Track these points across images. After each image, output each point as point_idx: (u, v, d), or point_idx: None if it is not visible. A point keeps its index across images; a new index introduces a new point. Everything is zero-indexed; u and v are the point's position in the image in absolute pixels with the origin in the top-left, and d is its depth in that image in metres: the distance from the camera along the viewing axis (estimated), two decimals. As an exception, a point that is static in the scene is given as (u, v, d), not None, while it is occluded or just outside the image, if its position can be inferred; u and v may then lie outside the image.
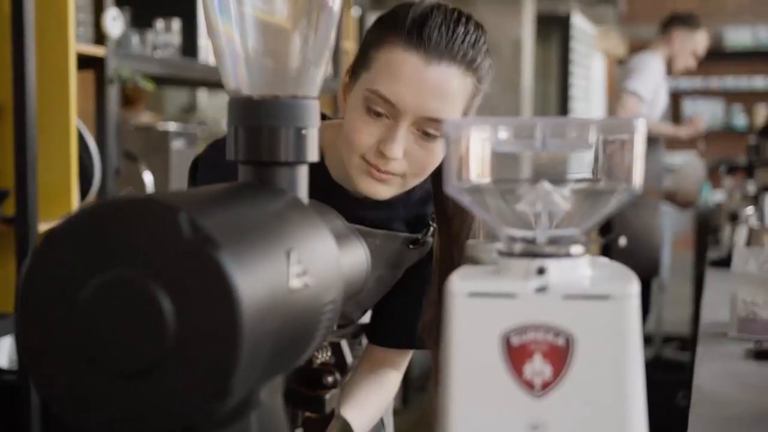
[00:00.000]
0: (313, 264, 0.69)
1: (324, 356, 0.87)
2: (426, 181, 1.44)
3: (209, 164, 1.46)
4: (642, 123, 0.69)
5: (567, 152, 0.71)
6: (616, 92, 5.05)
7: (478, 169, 0.71)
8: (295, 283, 0.65)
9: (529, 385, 0.67)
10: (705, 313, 2.31)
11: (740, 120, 9.11)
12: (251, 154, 0.74)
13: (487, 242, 0.75)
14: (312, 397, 0.83)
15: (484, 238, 0.82)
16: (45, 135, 2.68)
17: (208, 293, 0.57)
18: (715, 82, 9.09)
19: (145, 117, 4.12)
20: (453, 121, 0.70)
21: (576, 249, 0.69)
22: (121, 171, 3.08)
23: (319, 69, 0.77)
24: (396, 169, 1.32)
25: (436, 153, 1.33)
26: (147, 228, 0.59)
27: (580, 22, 7.12)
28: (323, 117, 1.44)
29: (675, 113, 8.13)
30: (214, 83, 4.00)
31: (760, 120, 8.61)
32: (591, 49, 7.67)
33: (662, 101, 4.99)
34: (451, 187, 0.71)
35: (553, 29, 6.87)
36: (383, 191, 1.35)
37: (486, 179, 0.72)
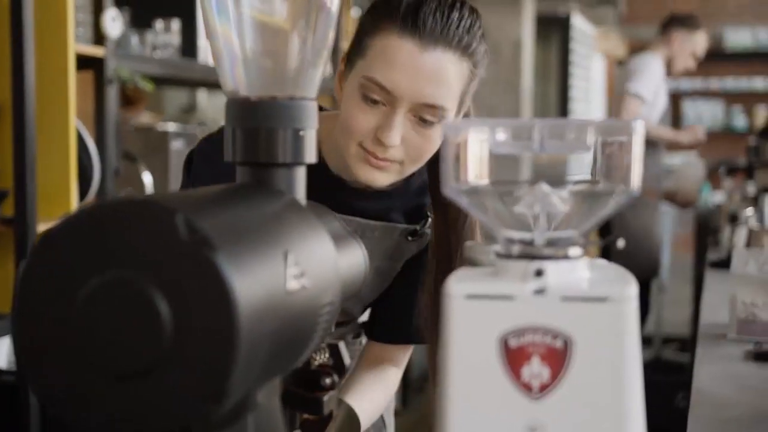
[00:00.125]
0: (310, 266, 0.68)
1: (322, 358, 0.87)
2: (423, 171, 1.44)
3: (204, 157, 1.46)
4: (640, 125, 0.69)
5: (565, 154, 0.71)
6: (617, 94, 5.04)
7: (476, 171, 0.71)
8: (293, 284, 0.65)
9: (527, 388, 0.67)
10: (704, 315, 2.31)
11: (740, 121, 9.11)
12: (249, 156, 0.74)
13: (485, 244, 0.75)
14: (310, 399, 0.83)
15: (482, 239, 0.82)
16: (44, 135, 2.68)
17: (205, 295, 0.57)
18: (715, 83, 9.09)
19: (144, 117, 4.12)
20: (451, 123, 0.70)
21: (574, 251, 0.69)
22: (121, 171, 3.08)
23: (317, 70, 0.77)
24: (394, 156, 1.32)
25: (434, 139, 1.33)
26: (144, 229, 0.58)
27: (580, 23, 7.12)
28: (319, 109, 1.44)
29: (675, 114, 8.13)
30: (214, 84, 3.99)
31: (760, 121, 8.61)
32: (591, 50, 7.67)
33: (662, 102, 4.99)
34: (449, 189, 0.71)
35: (553, 30, 6.87)
36: (381, 178, 1.35)
37: (484, 181, 0.72)
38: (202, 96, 4.95)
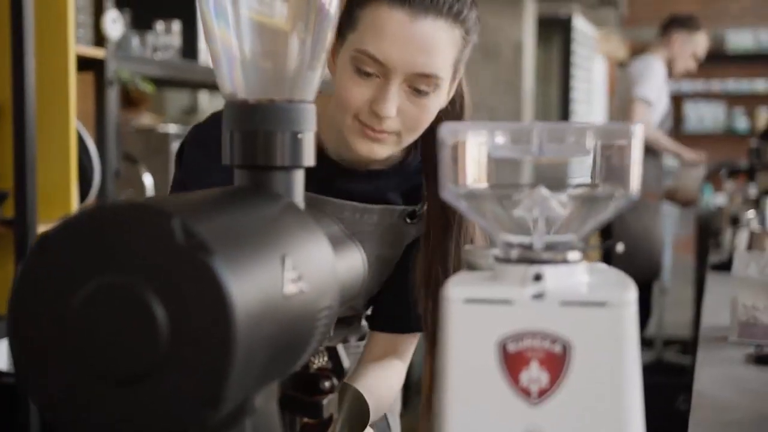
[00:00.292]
0: (308, 269, 0.68)
1: (321, 361, 0.86)
2: (420, 149, 1.43)
3: (196, 144, 1.45)
4: (640, 129, 0.69)
5: (564, 158, 0.70)
6: (620, 97, 5.03)
7: (475, 174, 0.71)
8: (290, 288, 0.65)
9: (525, 393, 0.66)
10: (706, 317, 2.30)
11: (741, 123, 9.10)
12: (247, 159, 0.74)
13: (484, 248, 0.75)
14: (309, 403, 0.82)
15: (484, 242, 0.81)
16: (44, 136, 2.67)
17: (202, 299, 0.57)
18: (717, 85, 9.08)
19: (146, 119, 4.12)
20: (449, 126, 0.70)
21: (573, 255, 0.68)
22: (121, 173, 3.08)
23: (316, 72, 0.77)
24: (390, 127, 1.32)
25: (430, 108, 1.33)
26: (141, 233, 0.58)
27: (581, 25, 7.12)
28: None
29: (677, 116, 8.11)
30: (215, 85, 3.98)
31: (761, 123, 8.60)
32: (592, 51, 7.66)
33: (663, 104, 4.99)
34: (447, 192, 0.70)
35: (555, 32, 6.86)
36: (379, 151, 1.34)
37: (482, 184, 0.71)
38: (204, 97, 4.95)
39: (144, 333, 0.57)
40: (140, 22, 3.37)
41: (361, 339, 1.66)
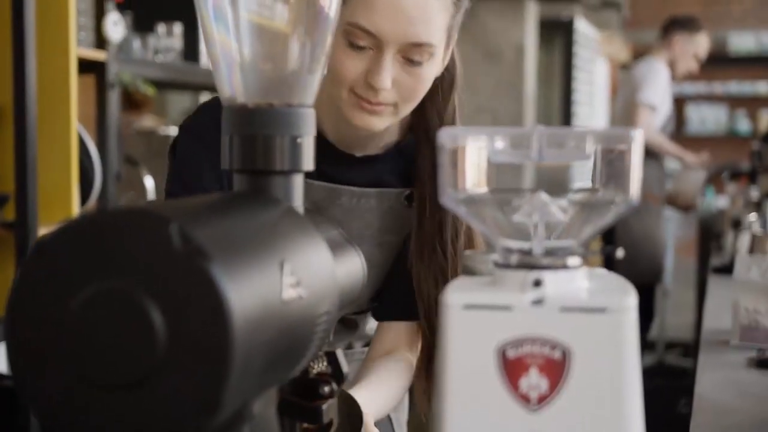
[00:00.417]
0: (307, 274, 0.68)
1: (320, 366, 0.86)
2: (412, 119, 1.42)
3: (188, 134, 1.43)
4: (639, 134, 0.68)
5: (564, 162, 0.70)
6: (624, 101, 5.02)
7: (474, 179, 0.71)
8: (289, 294, 0.64)
9: (525, 399, 0.66)
10: (707, 321, 2.30)
11: (744, 125, 9.09)
12: (246, 163, 0.73)
13: (484, 253, 0.74)
14: (309, 408, 0.82)
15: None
16: (45, 139, 2.67)
17: (199, 305, 0.57)
18: (719, 88, 9.07)
19: (148, 121, 4.12)
20: (449, 132, 0.70)
21: (573, 260, 0.68)
22: (122, 176, 3.08)
23: (315, 76, 0.77)
24: (386, 98, 1.31)
25: (425, 77, 1.32)
26: (138, 239, 0.58)
27: (583, 27, 7.11)
28: None
29: (679, 118, 8.11)
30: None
31: (763, 125, 8.59)
32: (594, 53, 7.65)
33: (666, 107, 4.99)
34: (446, 197, 0.70)
35: (557, 34, 6.85)
36: (377, 123, 1.34)
37: (482, 189, 0.71)
38: (205, 100, 4.95)
39: (141, 338, 0.57)
40: (141, 25, 3.37)
41: (366, 345, 1.64)
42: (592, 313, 0.65)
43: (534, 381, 0.66)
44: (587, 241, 0.70)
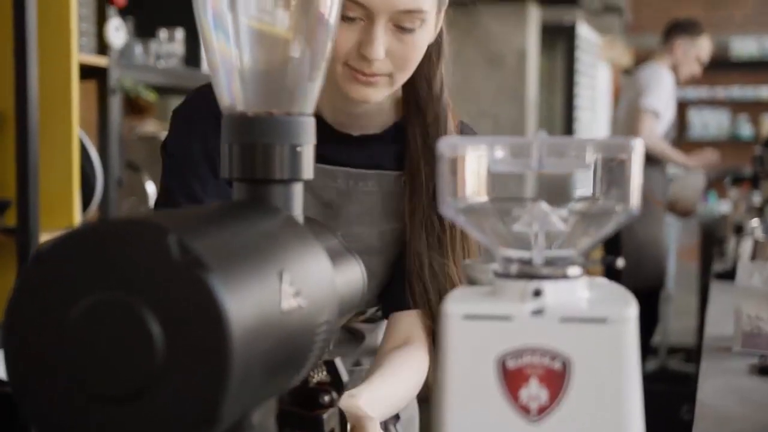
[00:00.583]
0: (306, 284, 0.68)
1: (319, 375, 0.86)
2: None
3: (181, 120, 1.42)
4: (640, 143, 0.68)
5: (564, 172, 0.70)
6: (629, 106, 5.01)
7: (474, 188, 0.70)
8: (288, 304, 0.64)
9: (525, 410, 0.65)
10: (709, 327, 2.29)
11: (746, 130, 9.09)
12: (245, 172, 0.73)
13: (484, 262, 0.74)
14: (309, 418, 0.82)
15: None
16: (47, 145, 2.68)
17: (197, 316, 0.56)
18: (721, 92, 9.07)
19: (150, 126, 4.12)
20: (448, 141, 0.69)
21: (573, 270, 0.68)
22: (124, 181, 3.08)
23: (315, 83, 0.76)
24: (381, 69, 1.30)
25: (418, 44, 1.31)
26: (136, 249, 0.58)
27: (585, 32, 7.11)
28: None
29: (681, 123, 8.11)
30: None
31: (766, 130, 8.59)
32: (596, 58, 7.66)
33: (670, 113, 4.98)
34: (446, 206, 0.70)
35: (558, 39, 6.86)
36: (373, 94, 1.33)
37: (482, 198, 0.71)
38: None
39: (140, 349, 0.57)
40: (143, 30, 3.37)
41: (369, 353, 1.61)
42: (593, 324, 0.65)
43: (534, 392, 0.65)
44: (588, 250, 0.70)
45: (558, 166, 0.69)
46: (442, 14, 1.37)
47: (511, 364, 0.65)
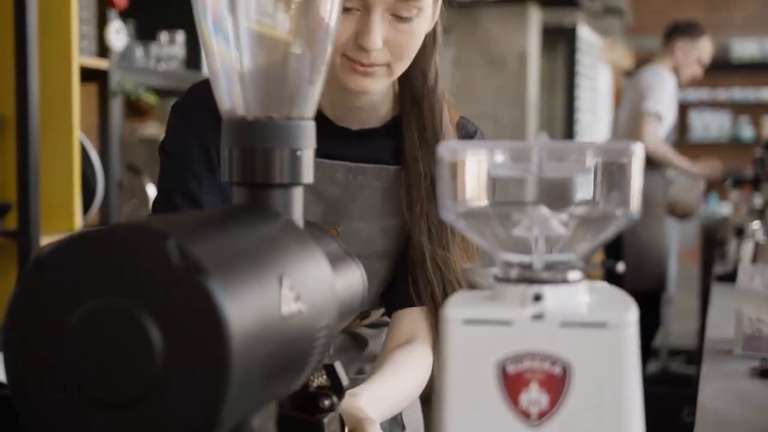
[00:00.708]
0: (306, 289, 0.67)
1: (319, 380, 0.86)
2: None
3: (178, 116, 1.43)
4: (640, 147, 0.68)
5: (564, 176, 0.70)
6: (632, 110, 5.00)
7: (474, 192, 0.70)
8: (288, 308, 0.64)
9: (525, 415, 0.65)
10: (710, 330, 2.29)
11: (747, 132, 9.08)
12: (245, 176, 0.73)
13: (484, 266, 0.74)
14: (309, 422, 0.82)
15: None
16: (48, 148, 2.68)
17: (197, 321, 0.56)
18: (723, 94, 9.06)
19: (150, 129, 4.12)
20: (448, 145, 0.69)
21: (573, 275, 0.68)
22: (125, 184, 3.08)
23: (315, 87, 0.76)
24: (379, 59, 1.30)
25: (416, 33, 1.31)
26: (136, 255, 0.58)
27: (586, 34, 7.11)
28: None
29: (682, 124, 8.10)
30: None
31: (767, 132, 8.59)
32: (597, 60, 7.66)
33: (672, 116, 4.98)
34: (446, 211, 0.70)
35: (559, 41, 6.86)
36: (372, 85, 1.33)
37: (482, 202, 0.71)
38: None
39: (139, 356, 0.57)
40: (144, 33, 3.38)
41: (371, 360, 1.60)
42: (593, 328, 0.65)
43: (534, 396, 0.65)
44: (588, 254, 0.70)
45: (558, 171, 0.69)
46: (439, 3, 1.37)
47: (511, 369, 0.65)
